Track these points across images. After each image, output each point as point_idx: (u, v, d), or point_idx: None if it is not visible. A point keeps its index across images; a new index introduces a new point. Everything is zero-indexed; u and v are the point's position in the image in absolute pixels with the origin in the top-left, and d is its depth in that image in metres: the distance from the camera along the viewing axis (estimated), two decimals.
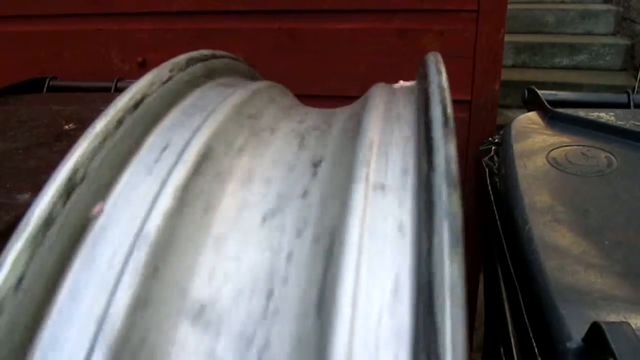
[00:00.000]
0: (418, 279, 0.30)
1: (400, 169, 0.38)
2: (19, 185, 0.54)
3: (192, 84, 0.52)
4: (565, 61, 2.79)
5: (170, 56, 0.54)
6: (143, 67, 1.19)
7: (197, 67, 0.54)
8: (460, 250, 0.29)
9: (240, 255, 0.37)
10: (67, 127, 0.68)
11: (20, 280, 0.31)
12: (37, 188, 0.35)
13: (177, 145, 0.41)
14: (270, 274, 0.36)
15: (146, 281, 0.32)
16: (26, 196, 0.52)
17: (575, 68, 2.78)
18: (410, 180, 0.37)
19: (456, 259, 0.29)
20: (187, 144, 0.41)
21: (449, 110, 0.40)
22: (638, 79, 2.53)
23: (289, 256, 0.37)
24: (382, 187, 0.36)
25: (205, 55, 0.56)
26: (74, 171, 0.37)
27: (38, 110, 0.76)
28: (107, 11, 1.18)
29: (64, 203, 0.35)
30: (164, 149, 0.41)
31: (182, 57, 0.52)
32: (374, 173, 0.37)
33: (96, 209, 0.37)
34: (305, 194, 0.41)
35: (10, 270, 0.31)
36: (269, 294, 0.35)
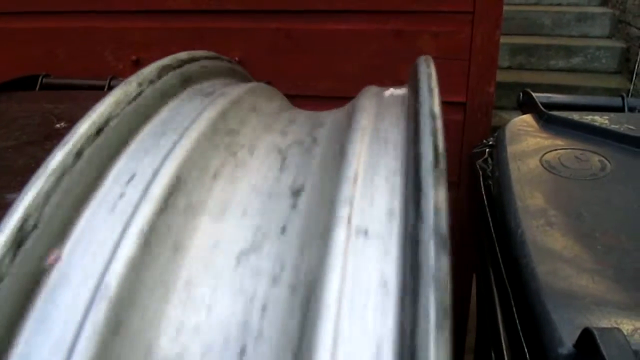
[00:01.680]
0: (401, 353, 0.28)
1: (386, 212, 0.35)
2: (7, 184, 0.54)
3: (165, 97, 0.48)
4: (561, 63, 2.80)
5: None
6: (137, 66, 1.18)
7: (171, 76, 0.49)
8: (447, 330, 0.27)
9: (212, 304, 0.34)
10: (58, 125, 0.67)
11: None
12: None
13: (143, 176, 0.38)
14: (244, 328, 0.33)
15: (106, 341, 0.29)
16: (15, 196, 0.51)
17: (571, 70, 2.79)
18: (396, 226, 0.34)
19: (442, 341, 0.26)
20: (156, 173, 0.37)
21: (441, 147, 0.36)
22: (633, 82, 2.53)
23: (264, 308, 0.34)
24: (366, 233, 0.34)
25: (181, 61, 0.52)
26: (24, 220, 0.33)
27: (29, 109, 0.75)
28: (102, 9, 1.17)
29: (13, 257, 0.32)
30: (129, 181, 0.38)
31: (152, 67, 0.48)
32: (357, 215, 0.35)
33: (51, 257, 0.33)
34: (283, 230, 0.38)
35: None
36: (242, 351, 0.32)
